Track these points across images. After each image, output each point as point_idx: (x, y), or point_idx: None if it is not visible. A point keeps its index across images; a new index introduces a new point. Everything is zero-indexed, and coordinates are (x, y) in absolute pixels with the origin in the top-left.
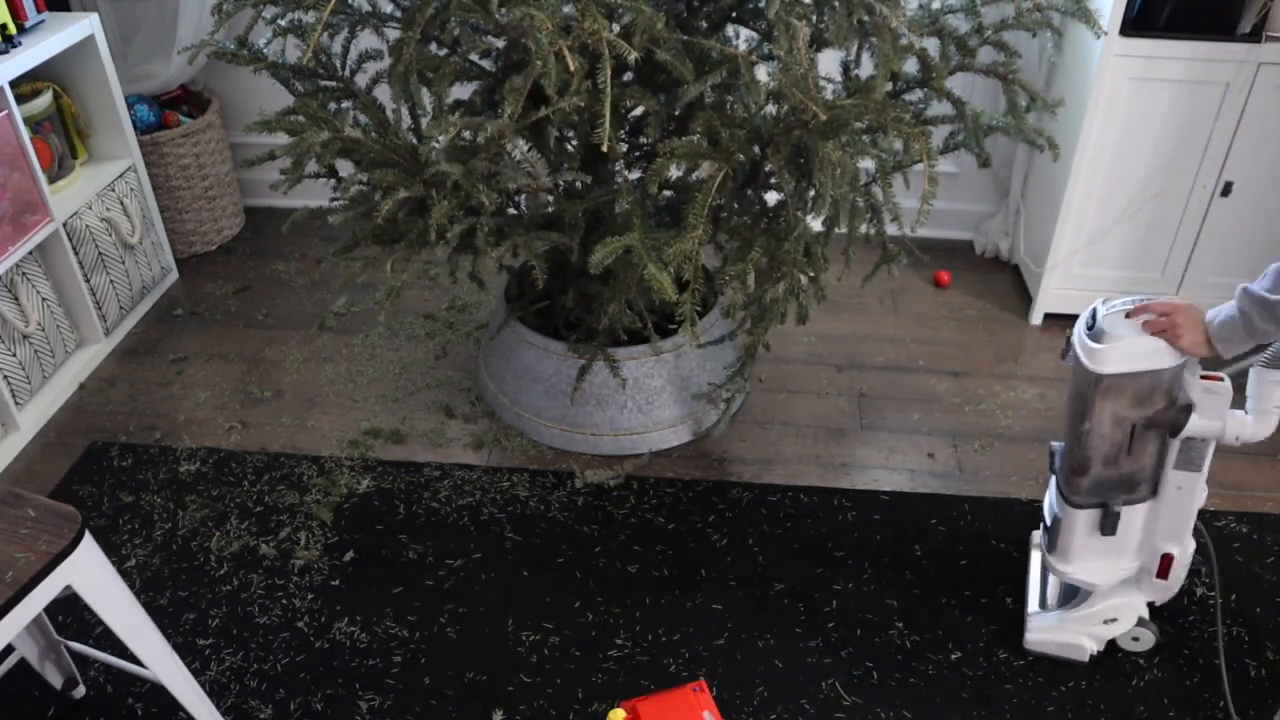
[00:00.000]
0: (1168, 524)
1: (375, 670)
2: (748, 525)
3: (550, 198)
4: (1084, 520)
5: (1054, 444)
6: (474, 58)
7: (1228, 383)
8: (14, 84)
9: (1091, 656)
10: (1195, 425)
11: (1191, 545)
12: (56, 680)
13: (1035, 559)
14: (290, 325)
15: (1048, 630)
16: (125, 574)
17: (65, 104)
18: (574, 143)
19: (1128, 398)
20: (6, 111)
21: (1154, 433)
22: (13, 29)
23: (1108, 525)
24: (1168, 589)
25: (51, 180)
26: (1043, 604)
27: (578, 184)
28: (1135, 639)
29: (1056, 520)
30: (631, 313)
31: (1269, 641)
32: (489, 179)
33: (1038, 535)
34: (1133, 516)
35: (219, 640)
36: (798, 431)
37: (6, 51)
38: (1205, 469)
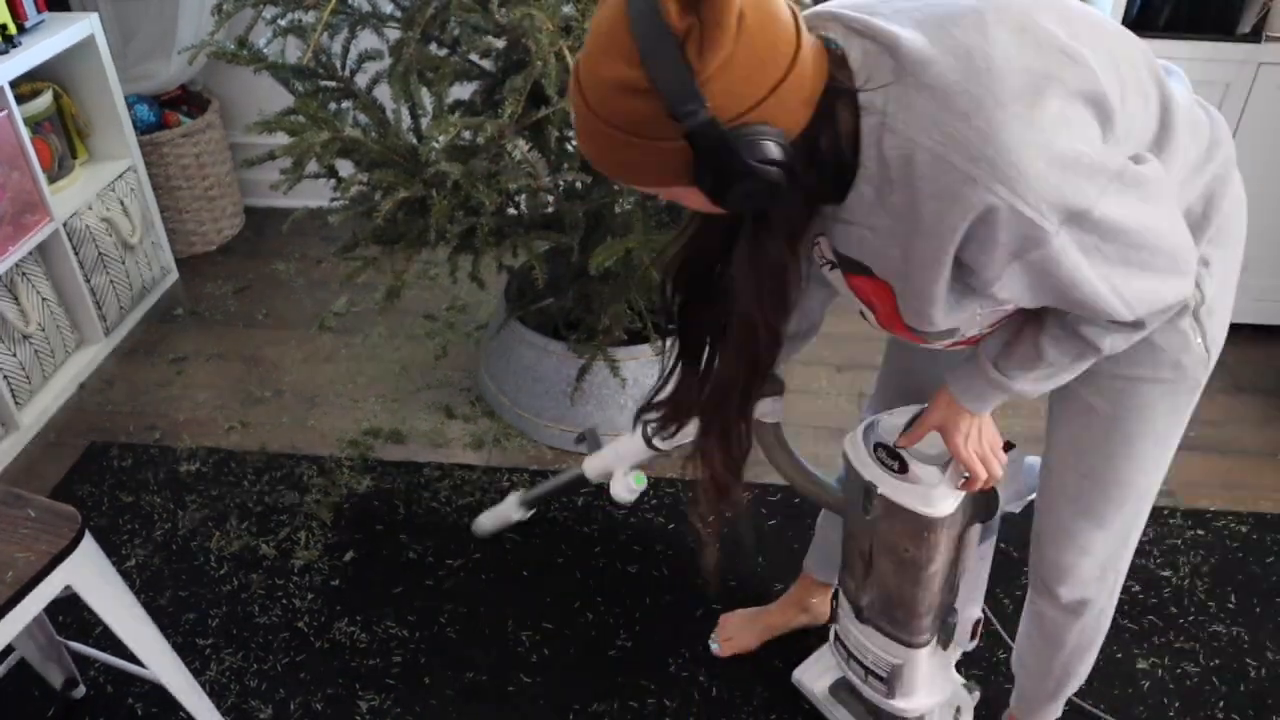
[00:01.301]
0: (971, 592)
1: (375, 670)
2: (748, 525)
3: (550, 198)
4: (928, 650)
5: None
6: (474, 58)
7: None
8: (14, 84)
9: None
10: (1004, 494)
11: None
12: (56, 680)
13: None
14: (290, 325)
15: None
16: (125, 574)
17: (65, 104)
18: (574, 143)
19: (961, 515)
20: (6, 111)
21: (971, 528)
22: (13, 29)
23: (949, 637)
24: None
25: (51, 180)
26: None
27: (578, 184)
28: (959, 708)
29: (896, 669)
30: (631, 313)
31: (1269, 641)
32: (489, 179)
33: (819, 695)
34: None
35: (219, 640)
36: (798, 431)
37: (6, 51)
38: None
